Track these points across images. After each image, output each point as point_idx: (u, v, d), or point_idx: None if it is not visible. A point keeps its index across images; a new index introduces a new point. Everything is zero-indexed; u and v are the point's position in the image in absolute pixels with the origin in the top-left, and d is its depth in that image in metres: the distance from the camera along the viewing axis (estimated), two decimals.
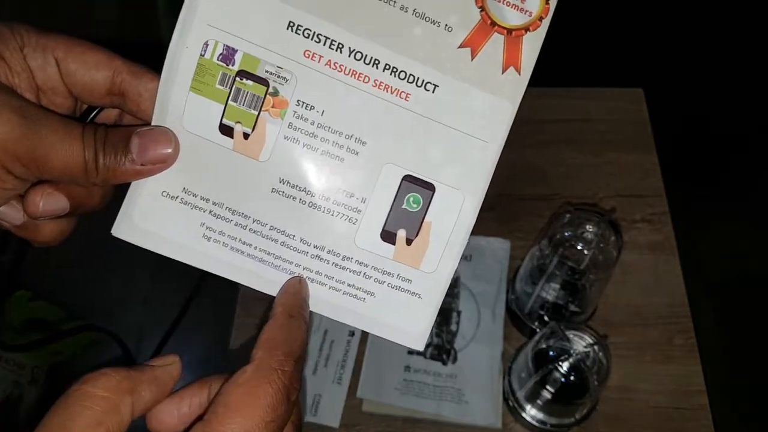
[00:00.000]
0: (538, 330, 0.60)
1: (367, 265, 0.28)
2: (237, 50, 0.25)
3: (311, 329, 0.67)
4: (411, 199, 0.28)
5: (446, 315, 0.67)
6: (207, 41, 0.25)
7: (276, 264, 0.28)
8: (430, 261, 0.28)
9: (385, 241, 0.28)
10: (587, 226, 0.59)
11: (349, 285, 0.28)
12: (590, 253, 0.59)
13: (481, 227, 0.73)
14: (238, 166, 0.27)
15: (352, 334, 0.66)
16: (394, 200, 0.28)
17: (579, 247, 0.59)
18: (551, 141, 0.79)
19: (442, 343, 0.65)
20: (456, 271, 0.68)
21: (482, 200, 0.28)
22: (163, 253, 0.27)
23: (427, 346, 0.65)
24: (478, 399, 0.62)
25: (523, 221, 0.73)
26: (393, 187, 0.27)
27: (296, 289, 0.28)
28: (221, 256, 0.27)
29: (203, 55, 0.25)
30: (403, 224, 0.28)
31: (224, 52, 0.26)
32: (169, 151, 0.26)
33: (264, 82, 0.26)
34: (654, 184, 0.76)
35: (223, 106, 0.26)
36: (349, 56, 0.26)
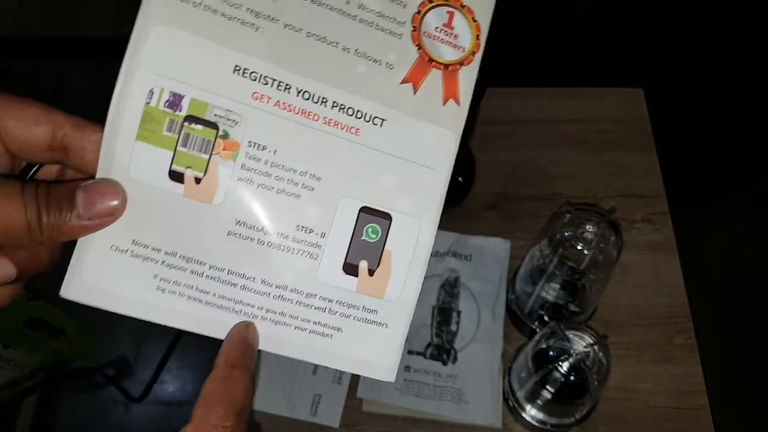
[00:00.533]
0: (538, 330, 0.60)
1: (331, 300, 0.28)
2: (184, 96, 0.25)
3: None
4: (369, 229, 0.28)
5: (446, 315, 0.67)
6: (152, 89, 0.25)
7: (237, 309, 0.27)
8: (394, 289, 0.28)
9: (347, 273, 0.28)
10: (587, 226, 0.59)
11: (314, 323, 0.28)
12: (590, 253, 0.59)
13: (481, 227, 0.74)
14: (190, 212, 0.26)
15: None
16: (353, 232, 0.28)
17: (579, 247, 0.59)
18: (551, 141, 0.80)
19: (442, 343, 0.65)
20: (456, 271, 0.69)
21: (437, 225, 0.29)
22: (117, 311, 0.26)
23: (427, 346, 0.65)
24: (478, 399, 0.62)
25: (523, 221, 0.73)
26: (351, 220, 0.28)
27: (241, 335, 0.27)
28: (179, 308, 0.26)
29: (149, 103, 0.25)
30: (364, 255, 0.28)
31: (171, 98, 0.25)
32: (116, 203, 0.25)
33: (213, 125, 0.26)
34: (654, 184, 0.76)
35: (172, 153, 0.26)
36: (298, 96, 0.26)
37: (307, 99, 0.27)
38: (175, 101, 0.25)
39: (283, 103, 0.26)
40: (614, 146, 0.79)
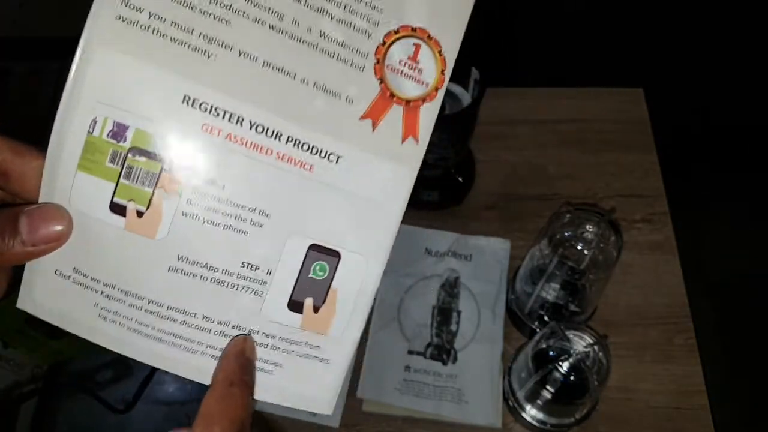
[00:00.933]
0: (538, 330, 0.60)
1: (274, 337, 0.28)
2: (128, 126, 0.24)
3: None
4: (317, 267, 0.27)
5: (446, 315, 0.67)
6: (95, 118, 0.24)
7: (177, 343, 0.26)
8: (338, 326, 0.28)
9: (292, 311, 0.28)
10: (587, 226, 0.59)
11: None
12: (590, 253, 0.59)
13: (481, 227, 0.74)
14: (130, 246, 0.25)
15: None
16: (301, 270, 0.27)
17: (579, 247, 0.59)
18: (551, 141, 0.80)
19: (442, 343, 0.65)
20: (456, 271, 0.69)
21: (385, 263, 0.28)
22: (67, 329, 0.26)
23: (427, 346, 0.65)
24: (478, 399, 0.62)
25: (523, 221, 0.73)
26: (299, 257, 0.27)
27: (238, 349, 0.26)
28: (121, 336, 0.26)
29: (92, 133, 0.24)
30: (310, 293, 0.27)
31: (114, 128, 0.24)
32: (61, 228, 0.24)
33: (158, 157, 0.25)
34: (654, 184, 0.76)
35: (114, 185, 0.25)
36: (250, 129, 0.25)
37: (261, 132, 0.25)
38: (119, 132, 0.24)
39: (235, 136, 0.25)
40: (614, 146, 0.79)
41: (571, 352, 0.55)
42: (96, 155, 0.24)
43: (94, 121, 0.24)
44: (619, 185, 0.76)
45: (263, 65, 0.25)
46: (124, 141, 0.24)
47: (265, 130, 0.25)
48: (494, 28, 1.55)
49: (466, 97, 0.65)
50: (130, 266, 0.26)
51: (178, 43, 0.24)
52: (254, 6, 0.25)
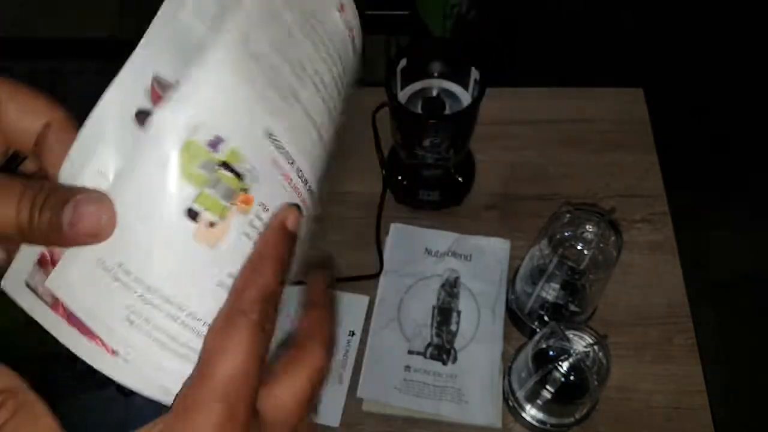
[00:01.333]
0: (538, 330, 0.60)
1: None
2: (225, 141, 0.25)
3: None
4: None
5: (446, 315, 0.67)
6: (198, 123, 0.25)
7: None
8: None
9: None
10: (587, 226, 0.59)
11: None
12: (590, 253, 0.59)
13: (481, 227, 0.74)
14: (190, 253, 0.25)
15: (352, 333, 0.66)
16: None
17: (579, 247, 0.59)
18: (551, 141, 0.79)
19: (442, 343, 0.65)
20: (456, 271, 0.69)
21: None
22: (88, 325, 0.25)
23: (427, 346, 0.65)
24: (478, 399, 0.62)
25: (523, 221, 0.73)
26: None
27: (278, 221, 0.27)
28: (143, 347, 0.25)
29: (191, 137, 0.25)
30: None
31: (212, 138, 0.25)
32: (103, 222, 0.24)
33: (240, 177, 0.26)
34: (654, 184, 0.76)
35: (196, 191, 0.25)
36: (296, 173, 0.29)
37: (300, 177, 0.29)
38: (216, 143, 0.25)
39: (287, 175, 0.28)
40: (614, 146, 0.79)
41: (571, 352, 0.55)
42: (189, 158, 0.25)
43: (196, 127, 0.25)
44: (619, 185, 0.76)
45: (312, 125, 0.30)
46: (219, 153, 0.25)
47: (303, 176, 0.29)
48: (494, 28, 1.55)
49: (466, 97, 0.65)
50: (182, 274, 0.25)
51: (271, 85, 0.28)
52: (320, 80, 0.30)
